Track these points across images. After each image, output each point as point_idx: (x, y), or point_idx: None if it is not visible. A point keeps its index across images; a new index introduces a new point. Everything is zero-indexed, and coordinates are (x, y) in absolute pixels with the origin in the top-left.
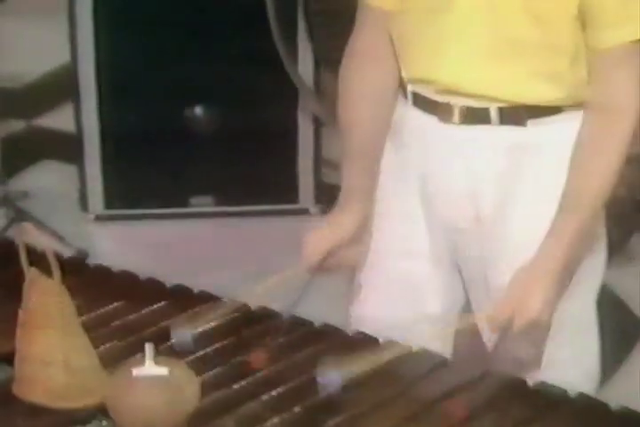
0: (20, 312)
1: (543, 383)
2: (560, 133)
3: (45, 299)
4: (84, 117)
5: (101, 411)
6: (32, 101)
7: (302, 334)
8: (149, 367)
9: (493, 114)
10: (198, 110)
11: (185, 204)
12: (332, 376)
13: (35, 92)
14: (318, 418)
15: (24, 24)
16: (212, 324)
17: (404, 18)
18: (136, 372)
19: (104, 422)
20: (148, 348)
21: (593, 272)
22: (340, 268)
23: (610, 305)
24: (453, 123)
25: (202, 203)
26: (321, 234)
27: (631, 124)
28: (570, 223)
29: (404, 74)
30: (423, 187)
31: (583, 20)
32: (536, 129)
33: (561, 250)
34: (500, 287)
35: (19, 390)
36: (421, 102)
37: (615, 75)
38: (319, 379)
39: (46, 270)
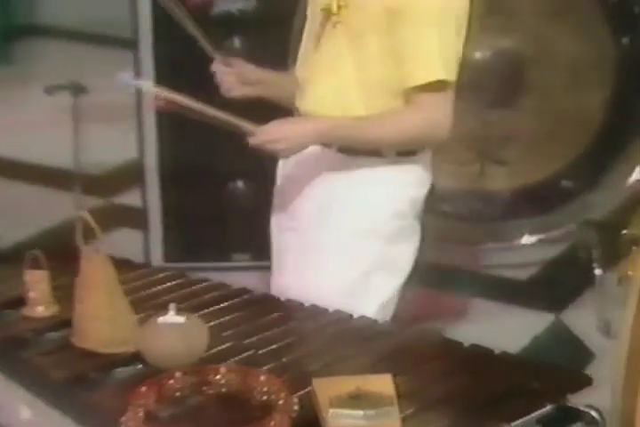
0: (77, 280)
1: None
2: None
3: (95, 269)
4: (148, 196)
5: (137, 356)
6: (109, 184)
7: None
8: (171, 317)
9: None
10: (239, 185)
11: (228, 259)
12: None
13: (112, 177)
14: (302, 366)
15: (105, 127)
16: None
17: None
18: (160, 320)
19: (139, 365)
20: (172, 305)
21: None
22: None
23: (566, 340)
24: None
25: (241, 258)
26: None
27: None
28: (342, 124)
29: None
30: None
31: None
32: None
33: (323, 125)
34: None
35: (75, 339)
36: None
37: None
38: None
39: None
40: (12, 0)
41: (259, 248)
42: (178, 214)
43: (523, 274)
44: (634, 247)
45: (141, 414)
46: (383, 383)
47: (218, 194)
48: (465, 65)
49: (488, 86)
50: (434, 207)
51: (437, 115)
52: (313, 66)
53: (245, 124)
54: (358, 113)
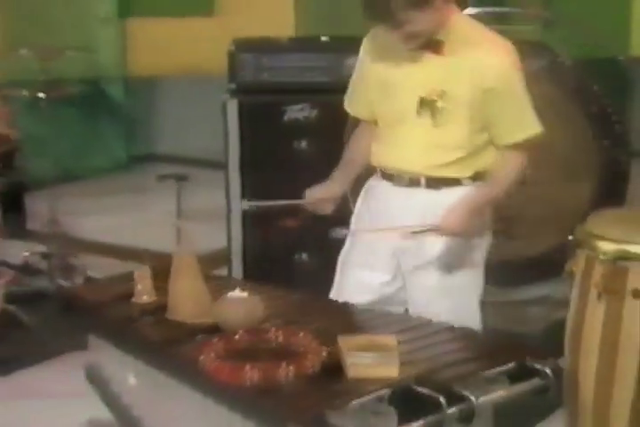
0: (171, 270)
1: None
2: (458, 196)
3: (183, 261)
4: (233, 273)
5: (214, 326)
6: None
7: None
8: (236, 293)
9: (422, 182)
10: (303, 257)
11: None
12: None
13: (204, 259)
14: (331, 332)
15: (202, 226)
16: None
17: (379, 125)
18: (230, 295)
19: (215, 333)
20: (239, 288)
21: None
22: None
23: None
24: (401, 186)
25: None
26: (319, 188)
27: (514, 175)
28: (484, 191)
29: (375, 161)
30: (384, 224)
31: (489, 130)
32: (445, 192)
33: (475, 200)
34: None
35: (169, 314)
36: (384, 175)
37: (508, 155)
38: None
39: None
40: (134, 133)
41: None
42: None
43: (527, 329)
44: (577, 250)
45: (213, 354)
46: (388, 340)
47: (287, 265)
48: None
49: None
50: None
51: (526, 160)
52: (414, 135)
53: (427, 227)
54: (460, 161)
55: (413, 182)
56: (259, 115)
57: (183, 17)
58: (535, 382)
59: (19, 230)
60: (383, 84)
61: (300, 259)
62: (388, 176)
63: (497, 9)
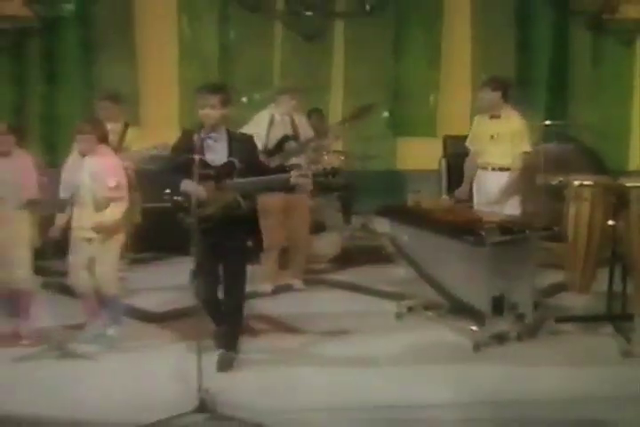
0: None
1: None
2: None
3: None
4: None
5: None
6: None
7: None
8: (444, 198)
9: (496, 168)
10: None
11: None
12: None
13: None
14: None
15: None
16: None
17: (477, 148)
18: (442, 198)
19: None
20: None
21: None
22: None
23: None
24: (489, 171)
25: None
26: (460, 189)
27: (522, 165)
28: (512, 177)
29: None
30: (479, 189)
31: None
32: (507, 173)
33: (511, 184)
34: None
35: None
36: (481, 167)
37: (518, 157)
38: None
39: None
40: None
41: None
42: None
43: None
44: (566, 186)
45: (437, 213)
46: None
47: None
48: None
49: None
50: None
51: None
52: (490, 149)
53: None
54: (509, 159)
55: (495, 168)
56: (454, 165)
57: (420, 137)
58: (548, 232)
59: (348, 218)
60: (479, 134)
61: None
62: (484, 167)
63: (560, 122)
